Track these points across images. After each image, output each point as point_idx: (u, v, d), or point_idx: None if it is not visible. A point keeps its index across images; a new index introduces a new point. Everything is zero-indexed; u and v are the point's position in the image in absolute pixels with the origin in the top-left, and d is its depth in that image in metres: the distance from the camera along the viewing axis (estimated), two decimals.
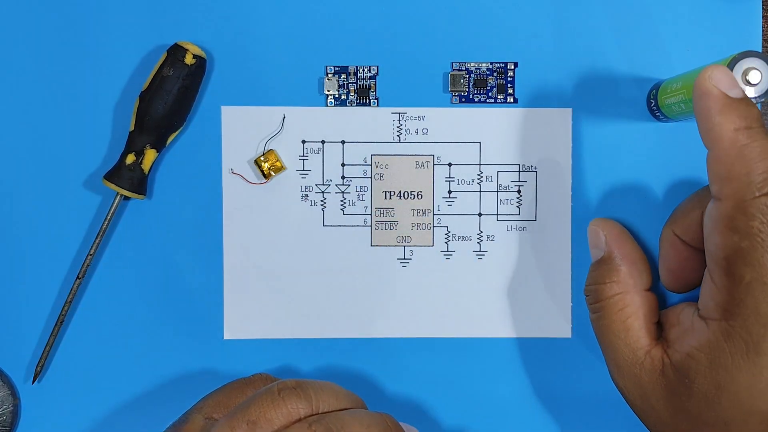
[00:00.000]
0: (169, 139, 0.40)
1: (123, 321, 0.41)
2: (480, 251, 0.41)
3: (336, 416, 0.32)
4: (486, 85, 0.41)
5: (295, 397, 0.33)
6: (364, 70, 0.41)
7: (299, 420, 0.32)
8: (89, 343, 0.41)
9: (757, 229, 0.30)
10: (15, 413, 0.41)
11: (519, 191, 0.41)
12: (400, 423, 0.34)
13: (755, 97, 0.33)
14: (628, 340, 0.35)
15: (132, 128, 0.39)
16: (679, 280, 0.38)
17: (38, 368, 0.40)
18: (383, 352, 0.41)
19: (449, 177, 0.41)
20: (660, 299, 0.38)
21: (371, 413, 0.33)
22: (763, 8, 0.41)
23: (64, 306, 0.40)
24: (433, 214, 0.41)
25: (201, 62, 0.39)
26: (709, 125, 0.31)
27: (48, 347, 0.40)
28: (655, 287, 0.38)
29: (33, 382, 0.40)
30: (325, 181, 0.41)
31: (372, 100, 0.41)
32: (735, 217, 0.30)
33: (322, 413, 0.33)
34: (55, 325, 0.40)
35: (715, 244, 0.31)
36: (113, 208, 0.39)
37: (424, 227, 0.41)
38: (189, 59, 0.38)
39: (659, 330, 0.36)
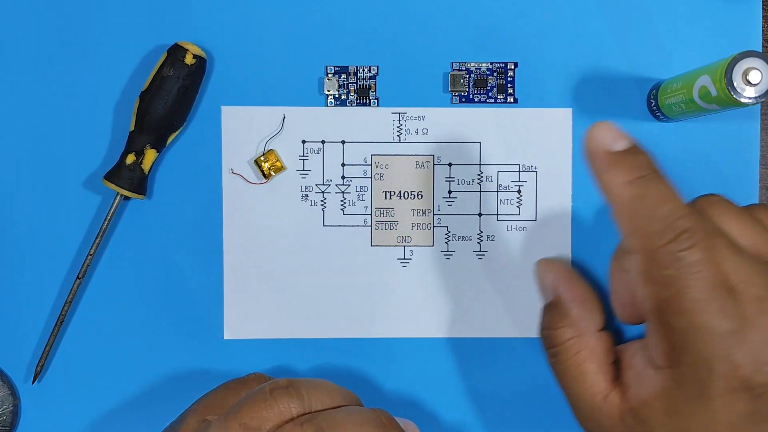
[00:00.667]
0: (169, 139, 0.40)
1: (123, 321, 0.41)
2: (480, 251, 0.41)
3: (328, 415, 0.32)
4: (486, 85, 0.41)
5: (287, 396, 0.33)
6: (364, 70, 0.41)
7: (291, 419, 0.32)
8: (89, 343, 0.41)
9: (673, 277, 0.29)
10: (15, 413, 0.41)
11: (519, 191, 0.41)
12: (397, 418, 0.34)
13: (755, 97, 0.33)
14: (586, 385, 0.34)
15: (132, 128, 0.39)
16: (632, 314, 0.36)
17: (38, 368, 0.40)
18: (383, 352, 0.41)
19: (449, 177, 0.41)
20: (616, 333, 0.38)
21: (365, 410, 0.33)
22: (763, 8, 0.41)
23: (64, 306, 0.40)
24: (433, 214, 0.41)
25: (201, 62, 0.39)
26: (601, 184, 0.31)
27: (48, 347, 0.40)
28: (609, 324, 0.37)
29: (33, 382, 0.40)
30: (325, 181, 0.41)
31: (372, 100, 0.41)
32: (650, 269, 0.30)
33: (314, 412, 0.33)
34: (55, 325, 0.40)
35: (642, 297, 0.31)
36: (113, 208, 0.39)
37: (424, 227, 0.41)
38: (189, 59, 0.38)
39: (617, 369, 0.35)
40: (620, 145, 0.31)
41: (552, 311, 0.36)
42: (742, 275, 0.30)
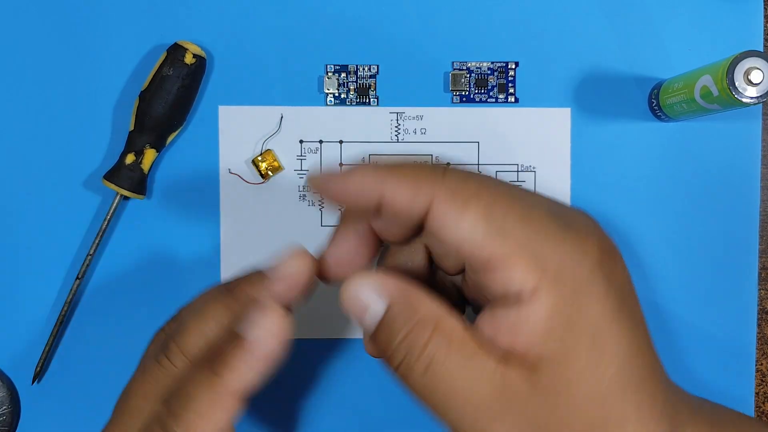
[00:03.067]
0: (169, 139, 0.40)
1: (122, 321, 0.41)
2: None
3: (177, 318, 0.32)
4: (487, 85, 0.41)
5: (169, 321, 0.33)
6: (364, 69, 0.41)
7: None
8: (89, 343, 0.41)
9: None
10: (15, 413, 0.41)
11: None
12: (280, 257, 0.30)
13: (757, 97, 0.33)
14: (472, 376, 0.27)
15: (132, 128, 0.39)
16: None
17: (38, 368, 0.40)
18: None
19: None
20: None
21: (207, 294, 0.32)
22: (764, 8, 0.41)
23: (64, 306, 0.40)
24: None
25: (201, 62, 0.39)
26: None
27: (48, 347, 0.40)
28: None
29: (33, 382, 0.40)
30: None
31: (372, 99, 0.41)
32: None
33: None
34: (55, 325, 0.40)
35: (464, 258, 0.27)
36: (113, 207, 0.39)
37: None
38: (189, 59, 0.38)
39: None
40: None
41: (390, 321, 0.28)
42: None
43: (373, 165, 0.27)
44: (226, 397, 0.29)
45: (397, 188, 0.26)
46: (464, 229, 0.26)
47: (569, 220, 0.27)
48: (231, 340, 0.29)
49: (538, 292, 0.25)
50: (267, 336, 0.29)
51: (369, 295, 0.27)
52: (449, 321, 0.27)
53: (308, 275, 0.30)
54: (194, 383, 0.29)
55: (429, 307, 0.27)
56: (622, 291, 0.27)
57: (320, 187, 0.28)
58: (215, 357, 0.29)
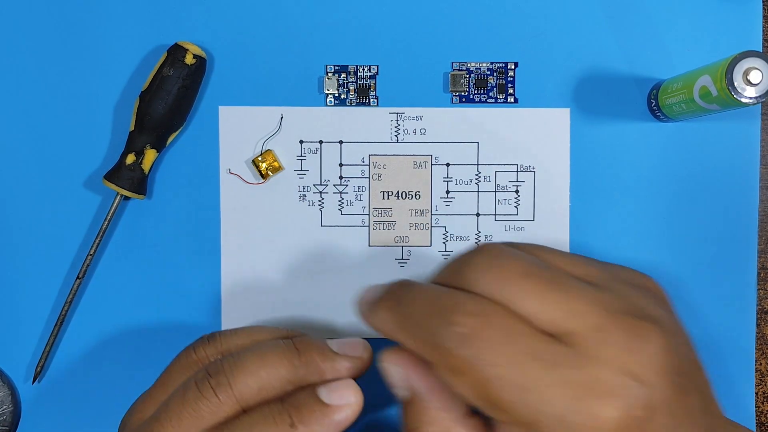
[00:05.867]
0: (169, 139, 0.40)
1: (122, 321, 0.41)
2: None
3: (234, 354, 0.32)
4: (486, 85, 0.41)
5: (203, 345, 0.34)
6: (364, 69, 0.41)
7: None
8: (89, 343, 0.41)
9: (466, 356, 0.26)
10: (15, 413, 0.41)
11: (517, 191, 0.41)
12: (343, 339, 0.33)
13: (756, 97, 0.33)
14: None
15: (132, 128, 0.39)
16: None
17: (38, 368, 0.40)
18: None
19: (447, 177, 0.41)
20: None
21: (272, 343, 0.33)
22: (763, 8, 0.41)
23: (64, 306, 0.40)
24: (431, 214, 0.41)
25: (201, 62, 0.39)
26: (380, 329, 0.30)
27: (48, 347, 0.40)
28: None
29: (33, 382, 0.40)
30: (322, 181, 0.41)
31: (372, 100, 0.41)
32: (448, 365, 0.27)
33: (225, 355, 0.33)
34: (55, 325, 0.40)
35: (466, 397, 0.27)
36: (113, 208, 0.39)
37: (422, 227, 0.41)
38: (189, 59, 0.38)
39: None
40: (378, 292, 0.30)
41: (410, 410, 0.30)
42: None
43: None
44: None
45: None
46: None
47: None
48: (309, 399, 0.31)
49: None
50: (349, 407, 0.32)
51: (395, 379, 0.30)
52: (463, 424, 0.29)
53: (367, 366, 0.33)
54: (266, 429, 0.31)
55: (438, 412, 0.29)
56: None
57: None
58: (291, 410, 0.31)
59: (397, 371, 0.30)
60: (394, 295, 0.29)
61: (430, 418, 0.29)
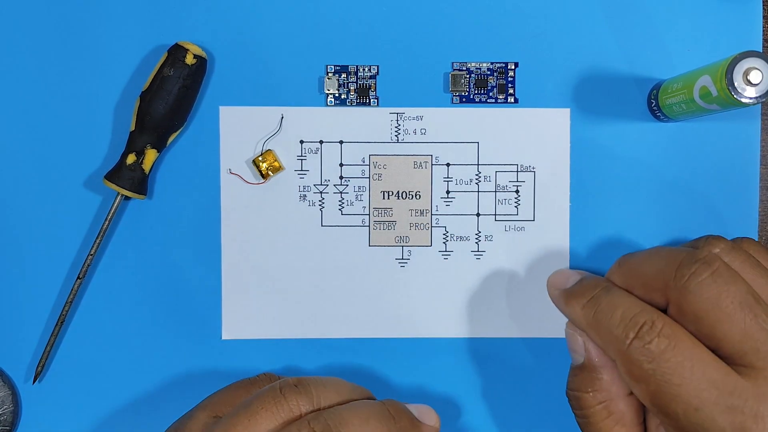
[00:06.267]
0: (170, 139, 0.40)
1: (123, 321, 0.41)
2: (478, 251, 0.41)
3: (335, 410, 0.32)
4: (486, 85, 0.41)
5: (295, 393, 0.33)
6: (364, 69, 0.41)
7: (300, 416, 0.33)
8: (89, 343, 0.41)
9: (650, 370, 0.31)
10: (15, 413, 0.41)
11: (517, 191, 0.41)
12: (413, 405, 0.35)
13: (756, 97, 0.33)
14: None
15: (133, 128, 0.39)
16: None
17: (38, 368, 0.40)
18: (381, 353, 0.41)
19: (447, 177, 0.41)
20: None
21: (371, 403, 0.34)
22: (763, 8, 0.41)
23: (64, 306, 0.40)
24: (431, 214, 0.41)
25: (201, 62, 0.39)
26: (570, 317, 0.36)
27: (48, 347, 0.40)
28: None
29: (33, 382, 0.40)
30: (323, 181, 0.41)
31: (372, 100, 0.41)
32: (630, 371, 0.32)
33: (322, 409, 0.33)
34: (55, 325, 0.40)
35: (638, 396, 0.33)
36: (114, 208, 0.39)
37: (422, 227, 0.41)
38: (189, 59, 0.39)
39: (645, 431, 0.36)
40: (571, 281, 0.36)
41: (582, 374, 0.35)
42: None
43: None
44: None
45: None
46: None
47: None
48: None
49: None
50: None
51: (576, 345, 0.35)
52: (625, 401, 0.34)
53: None
54: None
55: (606, 384, 0.34)
56: None
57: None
58: None
59: (578, 340, 0.35)
60: (593, 295, 0.34)
61: (597, 386, 0.34)
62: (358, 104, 0.41)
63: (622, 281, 0.35)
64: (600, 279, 0.36)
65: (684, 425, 0.31)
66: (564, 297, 0.36)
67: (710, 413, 0.30)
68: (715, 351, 0.31)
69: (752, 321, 0.31)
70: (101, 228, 0.40)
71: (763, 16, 0.41)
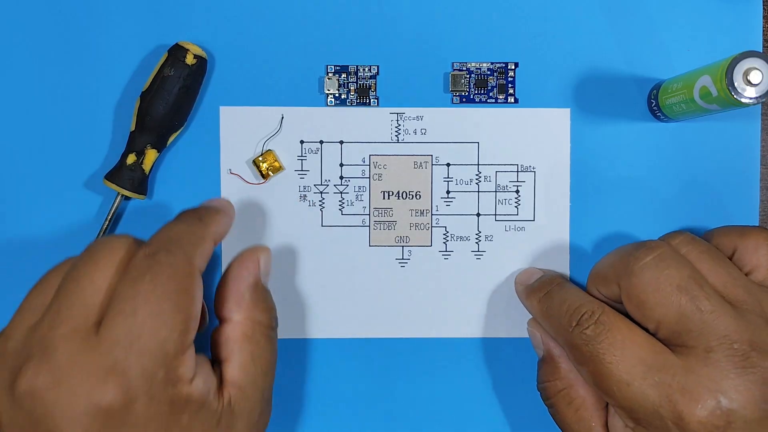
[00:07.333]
0: (170, 139, 0.40)
1: None
2: (478, 251, 0.41)
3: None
4: (487, 86, 0.41)
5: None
6: (364, 69, 0.41)
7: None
8: None
9: (587, 353, 0.34)
10: None
11: (517, 191, 0.41)
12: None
13: (756, 97, 0.33)
14: (582, 430, 0.37)
15: (133, 128, 0.39)
16: None
17: None
18: (381, 353, 0.41)
19: (447, 177, 0.41)
20: None
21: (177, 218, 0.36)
22: (763, 8, 0.41)
23: None
24: (432, 214, 0.41)
25: (202, 62, 0.39)
26: (530, 311, 0.40)
27: None
28: None
29: None
30: (323, 181, 0.41)
31: (372, 100, 0.41)
32: (575, 355, 0.35)
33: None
34: None
35: (585, 379, 0.36)
36: (114, 208, 0.40)
37: (422, 227, 0.41)
38: (190, 59, 0.39)
39: (607, 414, 0.38)
40: (533, 278, 0.39)
41: (544, 366, 0.39)
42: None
43: None
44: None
45: None
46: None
47: None
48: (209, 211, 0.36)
49: None
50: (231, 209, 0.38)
51: (535, 341, 0.40)
52: (585, 387, 0.37)
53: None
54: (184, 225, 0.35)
55: (564, 372, 0.38)
56: None
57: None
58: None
59: (537, 335, 0.39)
60: (548, 290, 0.38)
61: (557, 375, 0.38)
62: (358, 104, 0.41)
63: (589, 281, 0.38)
64: (556, 276, 0.39)
65: (620, 400, 0.33)
66: (525, 292, 0.39)
67: (640, 387, 0.33)
68: (656, 333, 0.34)
69: (688, 303, 0.33)
70: (101, 228, 0.40)
71: (763, 16, 0.41)
